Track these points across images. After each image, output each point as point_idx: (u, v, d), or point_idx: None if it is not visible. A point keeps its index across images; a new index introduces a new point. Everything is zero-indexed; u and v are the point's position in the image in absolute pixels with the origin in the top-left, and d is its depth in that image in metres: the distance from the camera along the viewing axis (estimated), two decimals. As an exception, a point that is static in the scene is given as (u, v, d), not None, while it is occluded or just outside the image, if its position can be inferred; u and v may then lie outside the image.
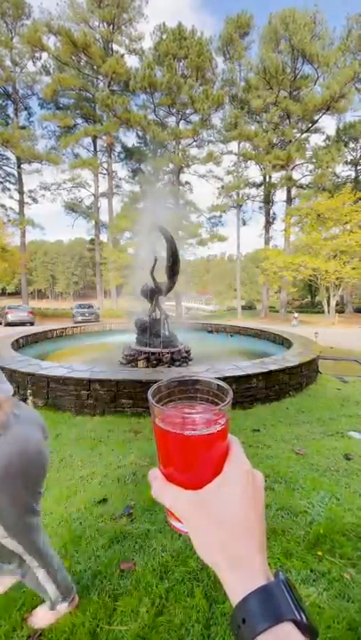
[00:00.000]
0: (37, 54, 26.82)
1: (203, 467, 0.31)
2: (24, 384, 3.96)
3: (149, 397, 0.32)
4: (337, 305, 24.59)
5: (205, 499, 0.30)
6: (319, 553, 1.69)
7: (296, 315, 20.95)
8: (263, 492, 0.33)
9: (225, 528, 0.29)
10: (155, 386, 0.33)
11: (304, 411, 3.89)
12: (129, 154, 30.05)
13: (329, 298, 23.24)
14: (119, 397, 3.66)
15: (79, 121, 29.08)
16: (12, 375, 4.07)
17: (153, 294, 5.93)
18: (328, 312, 23.23)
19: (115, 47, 28.04)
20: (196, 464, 0.31)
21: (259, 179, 30.83)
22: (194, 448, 0.30)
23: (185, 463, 0.31)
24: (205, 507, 0.30)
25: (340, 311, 27.31)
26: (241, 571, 0.29)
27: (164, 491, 0.32)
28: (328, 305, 23.37)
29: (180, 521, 0.32)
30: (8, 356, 4.80)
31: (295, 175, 28.76)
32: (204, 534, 0.30)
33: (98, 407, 3.68)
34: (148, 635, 1.27)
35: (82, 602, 1.41)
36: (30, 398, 3.91)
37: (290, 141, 27.06)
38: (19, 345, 6.52)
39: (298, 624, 0.26)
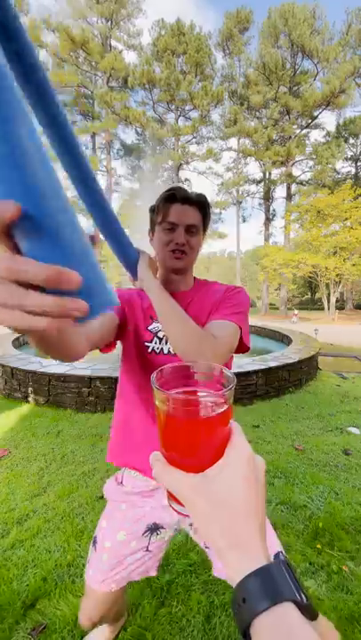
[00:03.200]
0: (35, 51, 26.66)
1: (204, 450, 0.31)
2: (25, 382, 3.98)
3: (152, 380, 0.32)
4: (337, 302, 24.60)
5: (207, 482, 0.31)
6: (318, 546, 1.72)
7: (296, 312, 20.96)
8: (264, 476, 0.34)
9: (226, 511, 0.30)
10: (158, 370, 0.33)
11: (304, 407, 3.91)
12: (128, 151, 29.96)
13: (329, 294, 23.23)
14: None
15: (78, 118, 28.95)
16: (14, 373, 4.08)
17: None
18: (328, 309, 23.24)
19: (113, 43, 27.88)
20: (197, 447, 0.31)
21: (258, 175, 30.74)
22: (196, 431, 0.30)
23: (187, 446, 0.31)
24: (206, 490, 0.30)
25: (341, 308, 27.33)
26: (242, 552, 0.29)
27: (165, 473, 0.32)
28: (328, 302, 23.37)
29: (181, 504, 0.32)
30: (9, 354, 4.81)
31: (295, 171, 28.67)
32: (206, 517, 0.30)
33: (99, 404, 3.70)
34: (149, 626, 1.30)
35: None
36: (32, 396, 3.94)
37: (290, 137, 26.95)
38: (19, 343, 6.54)
39: (298, 604, 0.27)
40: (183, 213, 0.83)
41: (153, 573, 0.94)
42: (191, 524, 0.87)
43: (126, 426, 0.91)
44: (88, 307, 0.24)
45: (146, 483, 0.87)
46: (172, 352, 0.84)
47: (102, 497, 2.12)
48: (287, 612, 0.26)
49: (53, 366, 4.03)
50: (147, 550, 0.88)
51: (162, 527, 0.87)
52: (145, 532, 0.87)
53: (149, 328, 0.88)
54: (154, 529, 0.87)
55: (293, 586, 0.27)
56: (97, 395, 3.70)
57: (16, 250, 0.24)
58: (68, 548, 1.69)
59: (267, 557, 0.29)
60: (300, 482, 2.31)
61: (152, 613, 1.35)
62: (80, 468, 2.48)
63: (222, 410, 0.30)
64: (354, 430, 3.23)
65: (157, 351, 0.86)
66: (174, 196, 0.83)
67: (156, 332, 0.87)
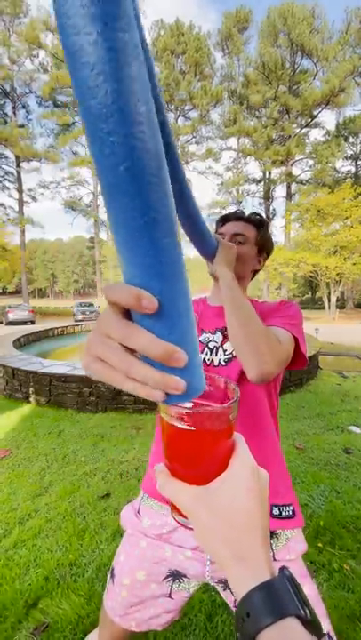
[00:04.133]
0: (35, 52, 26.70)
1: (208, 463, 0.31)
2: (26, 382, 3.99)
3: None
4: (338, 301, 24.59)
5: (210, 494, 0.30)
6: (319, 545, 1.72)
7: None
8: (268, 489, 0.33)
9: (229, 524, 0.30)
10: None
11: (304, 406, 3.91)
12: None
13: (329, 294, 23.23)
14: (121, 394, 3.68)
15: (77, 118, 28.97)
16: (15, 373, 4.09)
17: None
18: (329, 308, 23.23)
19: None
20: (201, 460, 0.31)
21: (258, 175, 30.76)
22: (199, 443, 0.30)
23: (190, 458, 0.31)
24: (210, 502, 0.30)
25: (341, 307, 27.32)
26: (245, 566, 0.29)
27: (168, 485, 0.32)
28: (329, 301, 23.36)
29: (184, 516, 0.32)
30: (10, 354, 4.83)
31: (295, 171, 28.68)
32: (209, 530, 0.30)
33: (100, 404, 3.71)
34: (151, 625, 1.30)
35: (87, 594, 1.44)
36: (33, 396, 3.95)
37: (289, 137, 26.94)
38: (20, 344, 6.56)
39: (302, 620, 0.26)
40: (233, 225, 0.89)
41: (177, 618, 0.87)
42: (220, 582, 0.80)
43: (159, 457, 0.84)
44: (185, 387, 0.25)
45: (163, 521, 0.81)
46: (224, 363, 0.80)
47: (104, 496, 2.13)
48: (291, 627, 0.26)
49: (54, 367, 4.04)
50: (169, 597, 0.81)
51: (185, 576, 0.80)
52: (166, 577, 0.80)
53: (200, 339, 0.84)
54: (176, 576, 0.80)
55: (298, 601, 0.27)
56: (98, 395, 3.71)
57: (126, 313, 0.25)
58: (69, 548, 1.70)
59: (271, 571, 0.29)
60: (300, 481, 2.32)
61: (154, 612, 1.35)
62: (81, 468, 2.48)
63: (226, 422, 0.30)
64: (355, 429, 3.23)
65: (208, 362, 0.82)
66: (229, 216, 0.91)
67: (207, 343, 0.84)
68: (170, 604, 0.81)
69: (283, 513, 0.75)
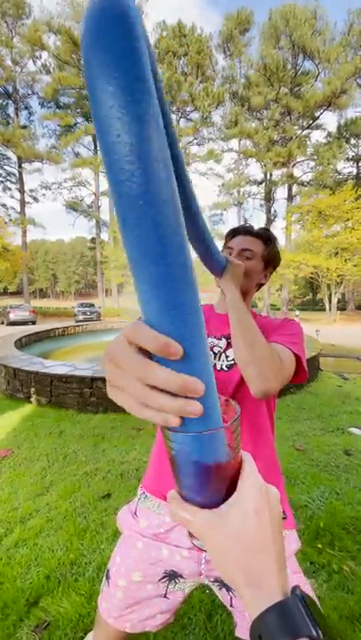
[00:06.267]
0: (37, 53, 26.80)
1: (217, 485, 0.31)
2: (27, 383, 4.00)
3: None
4: (338, 302, 24.57)
5: (220, 517, 0.30)
6: (319, 546, 1.73)
7: (297, 312, 20.95)
8: (279, 507, 0.33)
9: (240, 545, 0.30)
10: None
11: (305, 407, 3.92)
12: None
13: (330, 295, 23.22)
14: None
15: (79, 119, 29.07)
16: (16, 374, 4.11)
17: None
18: (329, 309, 23.23)
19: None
20: (210, 483, 0.31)
21: (260, 176, 30.80)
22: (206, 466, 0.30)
23: (198, 482, 0.31)
24: (221, 525, 0.30)
25: (342, 309, 27.29)
26: (258, 587, 0.29)
27: (180, 512, 0.32)
28: (329, 302, 23.35)
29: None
30: (11, 354, 4.84)
31: (296, 172, 28.70)
32: (221, 552, 0.30)
33: (101, 405, 3.72)
34: (151, 624, 1.31)
35: (87, 593, 1.45)
36: (34, 397, 3.96)
37: (291, 138, 26.97)
38: (21, 344, 6.57)
39: None
40: (242, 240, 0.90)
41: (171, 620, 0.88)
42: (216, 580, 0.81)
43: (162, 455, 0.87)
44: (202, 410, 0.25)
45: (160, 520, 0.82)
46: (226, 368, 0.82)
47: (104, 496, 2.14)
48: None
49: (55, 367, 4.05)
50: (164, 597, 0.82)
51: (180, 576, 0.81)
52: (162, 578, 0.81)
53: None
54: (172, 576, 0.81)
55: (310, 622, 0.27)
56: (99, 395, 3.72)
57: (144, 350, 0.26)
58: (70, 547, 1.71)
59: (284, 592, 0.29)
60: (301, 482, 2.32)
61: (154, 611, 1.36)
62: (82, 468, 2.50)
63: (231, 443, 0.30)
64: (355, 431, 3.23)
65: None
66: (238, 230, 0.93)
67: (212, 347, 0.86)
68: (165, 605, 0.82)
69: None
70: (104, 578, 0.87)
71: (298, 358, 0.78)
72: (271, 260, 0.93)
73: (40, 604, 1.41)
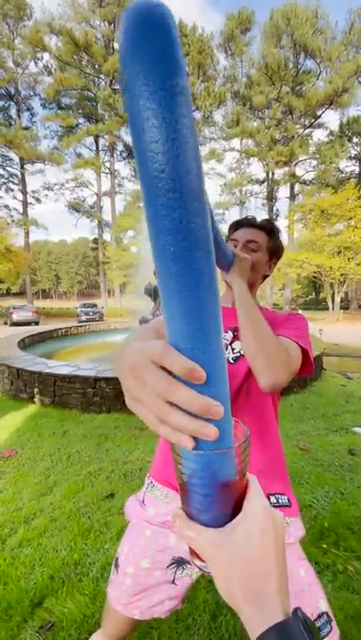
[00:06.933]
0: (39, 55, 26.93)
1: (223, 505, 0.31)
2: (31, 383, 4.01)
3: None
4: (341, 301, 24.47)
5: (225, 537, 0.30)
6: (324, 546, 1.72)
7: (300, 312, 20.85)
8: (283, 529, 0.33)
9: (244, 566, 0.30)
10: None
11: (308, 407, 3.90)
12: (131, 152, 30.04)
13: (333, 294, 23.13)
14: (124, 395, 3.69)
15: (81, 120, 29.16)
16: (19, 374, 4.12)
17: (157, 293, 5.96)
18: (333, 309, 23.14)
19: (116, 46, 28.00)
20: (216, 502, 0.31)
21: (262, 175, 30.74)
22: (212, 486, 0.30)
23: (204, 502, 0.31)
24: (225, 545, 0.30)
25: (345, 308, 27.18)
26: (259, 607, 0.29)
27: (186, 530, 0.32)
28: (332, 301, 23.27)
29: (202, 560, 0.33)
30: (14, 355, 4.86)
31: (298, 171, 28.63)
32: (224, 572, 0.30)
33: (104, 405, 3.72)
34: (155, 624, 1.31)
35: (92, 593, 1.44)
36: (37, 397, 3.97)
37: (293, 137, 26.90)
38: (25, 344, 6.59)
39: None
40: (246, 232, 0.91)
41: (179, 607, 0.89)
42: None
43: (169, 444, 0.88)
44: (217, 434, 0.26)
45: (168, 508, 0.83)
46: (232, 361, 0.83)
47: (108, 496, 2.14)
48: None
49: (59, 367, 4.06)
50: (172, 583, 0.84)
51: (188, 562, 0.83)
52: (170, 564, 0.83)
53: None
54: (180, 563, 0.83)
55: None
56: (102, 395, 3.72)
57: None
58: (74, 547, 1.71)
59: (285, 612, 0.29)
60: (305, 482, 2.31)
61: (158, 612, 1.36)
62: (86, 468, 2.50)
63: (238, 465, 0.30)
64: (359, 430, 3.21)
65: None
66: (241, 222, 0.93)
67: None
68: (173, 591, 0.83)
69: (279, 501, 0.79)
70: (113, 566, 0.89)
71: (305, 351, 0.79)
72: (275, 250, 0.95)
73: (44, 605, 1.41)
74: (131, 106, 0.22)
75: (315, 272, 21.79)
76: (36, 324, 17.50)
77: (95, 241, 35.38)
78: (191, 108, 0.23)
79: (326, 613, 0.71)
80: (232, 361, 0.83)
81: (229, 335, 0.86)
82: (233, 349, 0.84)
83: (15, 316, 17.76)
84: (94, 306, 21.72)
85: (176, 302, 0.25)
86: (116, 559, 0.88)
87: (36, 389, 3.98)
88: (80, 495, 2.16)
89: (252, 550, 0.30)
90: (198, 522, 0.32)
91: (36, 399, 3.99)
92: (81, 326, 10.15)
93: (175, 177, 0.22)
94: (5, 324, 18.45)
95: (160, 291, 0.26)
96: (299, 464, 2.56)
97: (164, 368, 0.26)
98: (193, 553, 0.34)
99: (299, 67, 26.89)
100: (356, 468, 2.50)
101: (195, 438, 0.26)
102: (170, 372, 0.26)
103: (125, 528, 0.92)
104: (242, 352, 0.81)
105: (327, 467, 2.53)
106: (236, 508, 0.32)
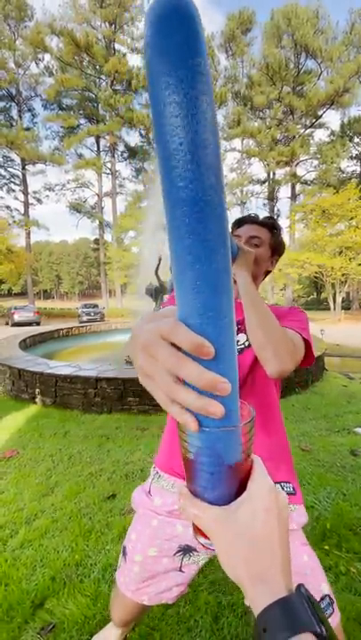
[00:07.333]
0: (40, 56, 26.97)
1: (228, 484, 0.32)
2: (32, 383, 4.02)
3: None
4: (343, 302, 24.43)
5: (230, 514, 0.31)
6: (326, 547, 1.71)
7: (301, 311, 20.82)
8: (287, 510, 0.34)
9: (248, 544, 0.30)
10: None
11: (310, 407, 3.89)
12: (132, 153, 30.09)
13: (335, 294, 23.09)
14: (126, 395, 3.69)
15: (82, 121, 29.19)
16: (21, 374, 4.12)
17: (158, 293, 5.96)
18: (334, 309, 23.09)
19: (117, 46, 28.08)
20: (222, 481, 0.31)
21: (263, 175, 30.72)
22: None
23: (211, 480, 0.31)
24: (229, 523, 0.30)
25: (347, 308, 27.12)
26: (263, 583, 0.29)
27: (190, 508, 0.33)
28: (334, 302, 23.23)
29: (206, 537, 0.33)
30: (16, 355, 4.86)
31: (299, 171, 28.60)
32: (229, 549, 0.31)
33: (105, 405, 3.72)
34: (157, 625, 1.30)
35: (93, 594, 1.44)
36: (39, 397, 3.97)
37: (294, 137, 26.87)
38: (26, 345, 6.60)
39: (318, 636, 0.27)
40: (249, 228, 0.94)
41: (185, 592, 0.93)
42: None
43: (175, 434, 0.89)
44: (223, 412, 0.26)
45: (174, 498, 0.85)
46: (238, 352, 0.85)
47: (109, 497, 2.13)
48: None
49: (60, 368, 4.06)
50: (180, 570, 0.86)
51: (195, 550, 0.85)
52: (177, 552, 0.85)
53: None
54: (187, 550, 0.85)
55: (314, 618, 0.27)
56: (103, 396, 3.72)
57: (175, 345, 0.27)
58: (76, 548, 1.71)
59: (288, 589, 0.29)
60: (306, 483, 2.30)
61: (160, 613, 1.35)
62: (87, 469, 2.49)
63: (243, 444, 0.31)
64: (361, 431, 3.20)
65: None
66: (244, 219, 0.96)
67: None
68: (180, 578, 0.86)
69: (285, 489, 0.80)
70: (121, 554, 0.91)
71: (306, 343, 0.81)
72: (277, 247, 0.97)
73: (45, 606, 1.40)
74: (153, 83, 0.23)
75: (316, 272, 21.75)
76: (38, 324, 17.51)
77: (96, 241, 35.42)
78: (211, 87, 0.24)
79: (329, 596, 0.73)
80: (237, 352, 0.84)
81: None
82: (237, 341, 0.86)
83: (17, 317, 17.79)
84: (95, 306, 21.73)
85: (189, 274, 0.25)
86: (124, 547, 0.91)
87: (37, 390, 3.98)
88: (81, 496, 2.16)
89: (257, 528, 0.30)
90: (203, 500, 0.32)
91: (37, 399, 3.99)
92: (82, 327, 10.17)
93: (193, 149, 0.23)
94: (7, 324, 18.48)
95: (173, 267, 0.26)
96: (301, 465, 2.55)
97: (175, 346, 0.27)
98: (197, 530, 0.35)
99: (300, 67, 26.86)
100: (359, 469, 2.49)
101: (200, 418, 0.27)
102: (181, 350, 0.26)
103: (127, 528, 0.93)
104: (246, 344, 0.84)
105: (329, 468, 2.52)
106: (241, 489, 0.32)
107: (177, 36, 0.22)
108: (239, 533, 0.30)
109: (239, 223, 0.96)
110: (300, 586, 0.30)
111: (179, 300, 0.27)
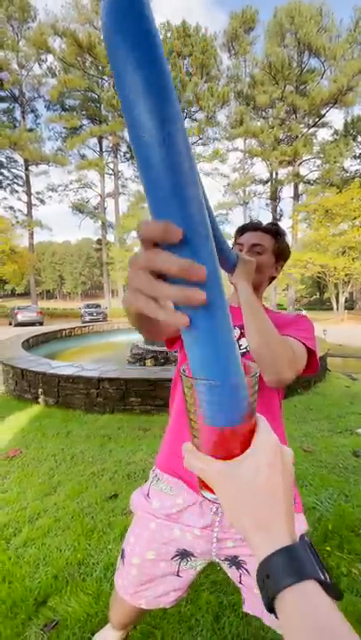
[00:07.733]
0: (43, 56, 27.04)
1: (232, 440, 0.32)
2: (35, 383, 4.04)
3: (182, 369, 0.33)
4: (346, 302, 24.32)
5: (234, 468, 0.32)
6: (328, 548, 1.71)
7: (304, 312, 20.79)
8: (291, 465, 0.34)
9: (252, 493, 0.31)
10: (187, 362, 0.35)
11: (312, 408, 3.89)
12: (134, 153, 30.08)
13: (338, 294, 23.01)
14: (128, 396, 3.70)
15: (85, 122, 29.25)
16: (24, 374, 4.15)
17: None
18: (337, 309, 23.01)
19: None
20: (225, 437, 0.32)
21: (265, 175, 30.64)
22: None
23: (215, 435, 0.32)
24: (234, 475, 0.31)
25: (350, 308, 27.01)
26: (267, 531, 0.30)
27: (195, 461, 0.33)
28: (337, 302, 23.14)
29: (211, 491, 0.34)
30: (19, 355, 4.89)
31: (302, 171, 28.49)
32: (233, 500, 0.32)
33: (107, 405, 3.74)
34: (158, 624, 1.31)
35: (95, 593, 1.45)
36: (41, 397, 3.99)
37: (296, 137, 26.77)
38: (29, 345, 6.63)
39: (321, 583, 0.27)
40: (251, 236, 0.93)
41: (184, 596, 0.93)
42: (226, 559, 0.83)
43: (177, 435, 0.89)
44: (205, 297, 0.26)
45: (173, 501, 0.85)
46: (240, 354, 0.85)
47: (111, 497, 2.14)
48: (311, 589, 0.27)
49: (63, 368, 4.08)
50: (177, 575, 0.86)
51: (192, 555, 0.84)
52: (175, 556, 0.85)
53: None
54: (184, 555, 0.85)
55: (318, 566, 0.28)
56: (105, 396, 3.74)
57: (155, 246, 0.28)
58: (78, 547, 1.72)
59: (292, 538, 0.30)
60: (308, 484, 2.30)
61: (161, 612, 1.36)
62: (89, 468, 2.51)
63: (249, 398, 0.32)
64: (364, 432, 3.19)
65: None
66: (246, 227, 0.95)
67: None
68: (178, 582, 0.86)
69: None
70: (119, 557, 0.92)
71: (310, 351, 0.81)
72: (281, 253, 0.96)
73: (48, 604, 1.42)
74: (112, 53, 0.24)
75: (319, 272, 21.68)
76: (41, 324, 17.59)
77: (99, 242, 35.51)
78: (168, 65, 0.25)
79: (303, 536, 0.73)
80: None
81: (237, 332, 0.88)
82: (240, 346, 0.86)
83: (20, 317, 17.87)
84: (98, 306, 21.78)
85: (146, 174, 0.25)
86: (123, 550, 0.91)
87: (40, 390, 4.00)
88: (84, 495, 2.17)
89: (261, 481, 0.31)
90: (207, 454, 0.33)
91: (40, 399, 4.01)
92: (85, 327, 10.20)
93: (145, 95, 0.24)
94: (10, 324, 18.57)
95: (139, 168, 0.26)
96: (302, 466, 2.55)
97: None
98: (202, 484, 0.35)
99: (303, 65, 26.75)
100: (361, 470, 2.49)
101: (191, 320, 0.27)
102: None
103: (128, 528, 0.93)
104: (248, 348, 0.84)
105: (331, 468, 2.52)
106: (245, 443, 0.33)
107: (130, 27, 0.23)
108: (243, 486, 0.31)
109: (242, 231, 0.95)
110: (303, 535, 0.31)
111: (148, 197, 0.27)
